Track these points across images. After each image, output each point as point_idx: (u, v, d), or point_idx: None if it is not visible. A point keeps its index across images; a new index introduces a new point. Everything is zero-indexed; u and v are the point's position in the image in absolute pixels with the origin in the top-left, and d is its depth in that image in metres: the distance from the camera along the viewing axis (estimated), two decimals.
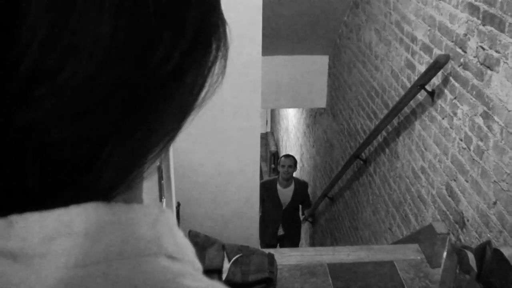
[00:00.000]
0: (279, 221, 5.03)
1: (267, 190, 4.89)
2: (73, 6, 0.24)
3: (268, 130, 11.01)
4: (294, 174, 5.09)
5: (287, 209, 5.00)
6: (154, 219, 0.31)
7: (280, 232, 5.06)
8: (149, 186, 1.64)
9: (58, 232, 0.27)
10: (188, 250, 0.34)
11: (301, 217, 5.53)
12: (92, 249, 0.27)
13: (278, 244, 5.18)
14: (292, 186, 4.96)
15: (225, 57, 0.33)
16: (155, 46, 0.27)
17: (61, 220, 0.27)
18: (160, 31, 0.27)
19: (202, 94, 0.33)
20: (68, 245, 0.27)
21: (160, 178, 1.82)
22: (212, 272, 2.34)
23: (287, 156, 5.06)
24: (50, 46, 0.24)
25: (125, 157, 0.29)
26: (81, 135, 0.26)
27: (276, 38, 4.85)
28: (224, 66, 0.33)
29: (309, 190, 5.48)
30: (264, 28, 2.64)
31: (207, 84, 0.33)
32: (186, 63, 0.29)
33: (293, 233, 5.20)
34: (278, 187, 4.94)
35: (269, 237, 5.02)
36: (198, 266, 0.34)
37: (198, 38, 0.30)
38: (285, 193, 4.96)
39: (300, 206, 5.27)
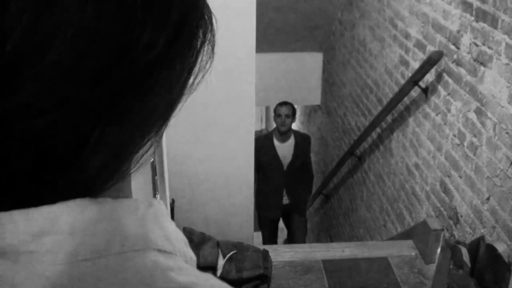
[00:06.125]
0: (282, 185, 4.19)
1: (262, 147, 4.03)
2: None
3: (263, 127, 11.01)
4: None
5: (289, 169, 4.15)
6: (142, 213, 0.31)
7: (285, 201, 4.26)
8: (142, 182, 1.63)
9: (44, 230, 0.27)
10: (180, 241, 0.33)
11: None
12: (79, 247, 0.27)
13: (281, 220, 4.43)
14: (292, 140, 4.13)
15: (212, 43, 0.33)
16: (140, 32, 0.27)
17: (48, 217, 0.27)
18: (144, 18, 0.27)
19: (191, 79, 0.33)
20: (55, 242, 0.27)
21: (154, 175, 1.81)
22: (206, 269, 2.34)
23: (284, 103, 4.09)
24: (33, 31, 0.24)
25: (112, 146, 0.28)
26: (66, 122, 0.26)
27: (271, 35, 4.84)
28: (212, 52, 0.33)
29: None
30: (258, 25, 2.63)
31: (196, 70, 0.32)
32: (173, 49, 0.29)
33: (301, 201, 4.37)
34: (275, 142, 4.11)
35: (271, 211, 4.27)
36: (191, 256, 0.34)
37: (183, 25, 0.29)
38: (285, 148, 4.12)
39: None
